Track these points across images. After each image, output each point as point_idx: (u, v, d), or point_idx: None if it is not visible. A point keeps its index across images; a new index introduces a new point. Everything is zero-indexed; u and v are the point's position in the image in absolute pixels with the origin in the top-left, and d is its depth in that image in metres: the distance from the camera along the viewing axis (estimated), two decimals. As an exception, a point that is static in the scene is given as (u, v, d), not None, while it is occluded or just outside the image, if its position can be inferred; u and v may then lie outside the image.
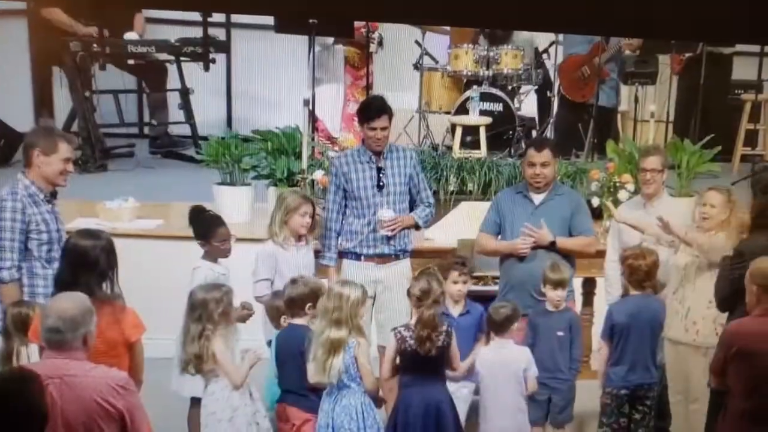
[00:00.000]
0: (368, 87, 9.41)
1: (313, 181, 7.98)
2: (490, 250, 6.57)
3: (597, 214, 7.94)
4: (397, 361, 5.58)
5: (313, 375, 5.39)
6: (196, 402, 6.03)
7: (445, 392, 5.62)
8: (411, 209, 6.68)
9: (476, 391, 6.06)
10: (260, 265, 6.33)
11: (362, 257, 6.58)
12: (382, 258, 6.56)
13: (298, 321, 5.63)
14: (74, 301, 4.32)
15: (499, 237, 6.58)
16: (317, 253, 6.59)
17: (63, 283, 4.80)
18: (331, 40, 9.44)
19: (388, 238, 6.51)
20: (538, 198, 6.51)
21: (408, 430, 5.49)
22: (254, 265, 6.37)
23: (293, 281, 5.80)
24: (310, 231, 6.43)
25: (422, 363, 5.50)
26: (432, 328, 5.45)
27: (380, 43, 9.67)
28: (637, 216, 6.53)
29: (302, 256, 6.40)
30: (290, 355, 5.55)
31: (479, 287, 6.76)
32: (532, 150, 6.50)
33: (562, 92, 10.07)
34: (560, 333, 6.14)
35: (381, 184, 6.54)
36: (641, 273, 6.03)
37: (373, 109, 6.51)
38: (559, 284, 6.14)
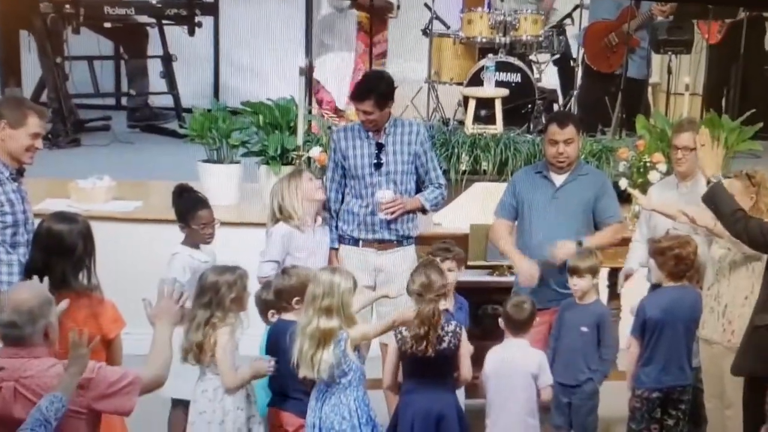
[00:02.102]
0: (382, 55, 9.35)
1: (309, 158, 7.96)
2: (500, 248, 6.53)
3: (625, 197, 7.91)
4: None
5: (300, 370, 5.36)
6: (177, 403, 6.02)
7: (451, 401, 5.59)
8: (418, 190, 6.63)
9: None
10: (271, 245, 6.33)
11: (360, 242, 6.55)
12: (383, 244, 6.53)
13: (288, 316, 5.59)
14: (31, 290, 4.28)
15: (516, 223, 6.53)
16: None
17: (34, 273, 4.74)
18: (347, 2, 9.38)
19: (389, 222, 6.47)
20: (559, 179, 6.47)
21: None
22: (265, 244, 6.38)
23: (283, 271, 5.78)
24: (324, 205, 6.45)
25: (424, 367, 5.47)
26: (430, 325, 5.41)
27: (398, 7, 9.63)
28: (669, 198, 6.49)
29: (318, 238, 6.42)
30: (282, 355, 5.50)
31: (494, 278, 6.73)
32: (554, 126, 6.44)
33: (586, 62, 10.02)
34: (584, 329, 6.10)
35: (380, 161, 6.50)
36: (689, 262, 6.00)
37: (357, 91, 6.50)
38: (575, 272, 6.10)
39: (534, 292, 6.27)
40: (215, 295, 5.35)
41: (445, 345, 5.48)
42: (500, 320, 5.92)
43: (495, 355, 5.87)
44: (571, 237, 6.32)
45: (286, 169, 8.10)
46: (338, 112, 9.39)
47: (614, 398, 6.38)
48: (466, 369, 5.63)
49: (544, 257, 6.33)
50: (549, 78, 10.19)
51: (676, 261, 6.02)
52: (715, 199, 5.66)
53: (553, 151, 6.43)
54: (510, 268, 6.79)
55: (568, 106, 9.67)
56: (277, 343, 5.55)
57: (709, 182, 5.74)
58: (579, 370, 6.12)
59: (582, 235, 6.33)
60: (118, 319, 4.90)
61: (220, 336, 5.34)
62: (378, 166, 6.50)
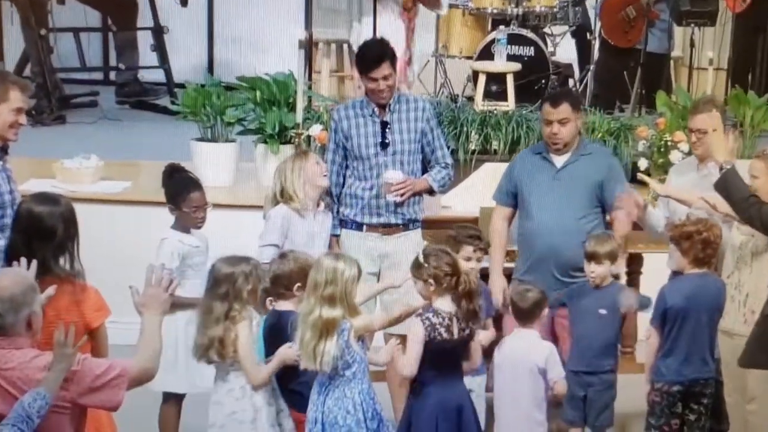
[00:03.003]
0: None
1: (309, 137, 7.94)
2: (492, 241, 6.48)
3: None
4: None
5: (302, 361, 5.35)
6: (169, 398, 6.02)
7: (465, 390, 5.60)
8: (424, 171, 6.61)
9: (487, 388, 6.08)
10: (270, 228, 6.32)
11: (364, 227, 6.53)
12: (388, 228, 6.52)
13: (285, 305, 5.57)
14: (13, 277, 4.26)
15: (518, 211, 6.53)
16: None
17: (14, 256, 4.74)
18: None
19: (395, 205, 6.45)
20: (560, 160, 6.44)
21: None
22: (264, 227, 6.37)
23: (281, 255, 5.76)
24: (327, 191, 6.45)
25: (445, 355, 5.45)
26: (472, 298, 5.42)
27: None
28: (689, 180, 6.47)
29: (319, 223, 6.40)
30: (281, 345, 5.49)
31: (505, 264, 6.71)
32: (547, 105, 6.44)
33: (603, 35, 9.99)
34: (602, 311, 6.09)
35: (386, 141, 6.49)
36: (715, 247, 5.99)
37: (369, 57, 6.44)
38: (594, 257, 6.10)
39: (535, 280, 6.22)
40: (232, 287, 5.34)
41: (468, 331, 5.48)
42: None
43: (502, 347, 5.87)
44: (574, 221, 6.30)
45: (285, 149, 8.10)
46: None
47: (632, 392, 6.36)
48: (477, 357, 5.64)
49: (545, 242, 6.31)
50: (564, 51, 10.15)
51: (704, 245, 5.99)
52: (726, 185, 5.65)
53: (547, 131, 6.42)
54: (518, 254, 6.77)
55: (585, 81, 9.66)
56: (276, 335, 5.53)
57: (721, 168, 5.72)
58: (596, 357, 6.10)
59: (588, 218, 6.32)
60: (102, 307, 4.88)
61: (240, 330, 5.33)
62: (384, 145, 6.49)
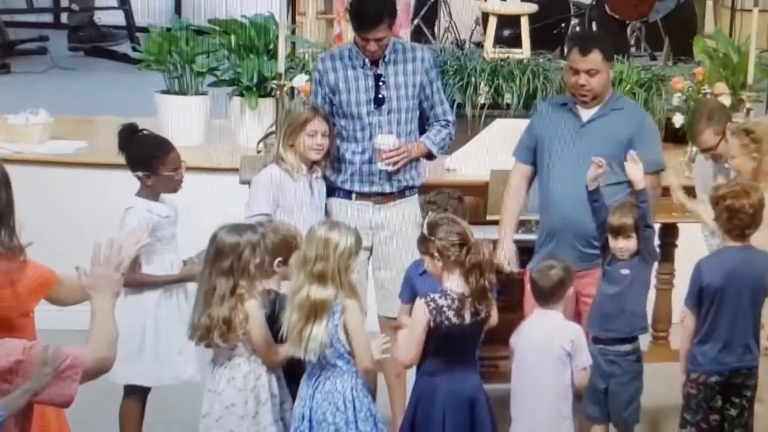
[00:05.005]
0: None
1: (293, 89, 7.93)
2: (504, 201, 6.53)
3: (680, 136, 7.91)
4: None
5: (288, 347, 5.37)
6: (132, 392, 6.02)
7: (479, 382, 5.60)
8: (422, 131, 6.62)
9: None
10: (259, 195, 6.30)
11: (354, 195, 6.54)
12: (382, 197, 6.53)
13: (265, 283, 5.57)
14: None
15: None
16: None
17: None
18: None
19: (390, 173, 6.46)
20: (587, 113, 6.44)
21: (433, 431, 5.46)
22: (250, 194, 6.35)
23: (258, 225, 5.72)
24: (326, 157, 6.40)
25: (454, 342, 5.46)
26: (485, 273, 5.41)
27: None
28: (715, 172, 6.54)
29: (316, 189, 6.40)
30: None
31: (519, 236, 6.73)
32: (575, 51, 6.42)
33: (608, 11, 9.98)
34: (625, 271, 6.10)
35: (380, 97, 6.48)
36: (745, 217, 5.97)
37: (365, 16, 6.40)
38: (620, 231, 6.10)
39: (551, 253, 6.26)
40: (237, 260, 5.33)
41: (482, 315, 5.48)
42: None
43: (522, 331, 5.87)
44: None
45: (264, 103, 8.10)
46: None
47: (665, 383, 6.41)
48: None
49: (562, 205, 6.33)
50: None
51: (730, 215, 5.99)
52: None
53: (573, 81, 6.41)
54: (539, 223, 6.80)
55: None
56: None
57: None
58: (617, 322, 6.11)
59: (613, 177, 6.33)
60: (42, 286, 4.87)
61: (250, 309, 5.34)
62: (378, 102, 6.48)
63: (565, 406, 5.81)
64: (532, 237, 6.63)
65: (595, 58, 6.36)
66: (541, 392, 5.78)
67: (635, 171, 6.14)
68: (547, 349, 5.78)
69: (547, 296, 5.84)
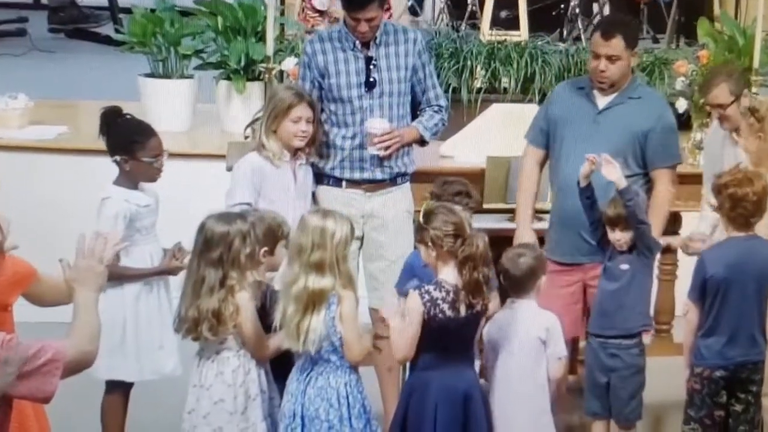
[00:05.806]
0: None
1: (282, 72, 7.93)
2: (520, 187, 6.55)
3: (683, 122, 7.90)
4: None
5: (285, 340, 5.38)
6: (114, 387, 6.02)
7: (475, 378, 5.60)
8: (414, 116, 6.61)
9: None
10: (240, 183, 6.29)
11: (344, 182, 6.54)
12: (373, 185, 6.53)
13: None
14: None
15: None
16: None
17: None
18: None
19: (381, 158, 6.46)
20: (603, 100, 6.44)
21: (425, 427, 5.45)
22: (230, 183, 6.34)
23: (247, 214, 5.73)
24: (310, 143, 6.38)
25: (449, 335, 5.45)
26: (480, 266, 5.39)
27: None
28: (730, 154, 6.51)
29: (300, 177, 6.38)
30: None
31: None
32: (597, 35, 6.42)
33: None
34: (624, 266, 6.11)
35: (371, 80, 6.47)
36: (749, 205, 5.98)
37: None
38: (618, 223, 6.11)
39: (560, 242, 6.31)
40: (227, 250, 5.33)
41: (478, 308, 5.48)
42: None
43: (494, 321, 5.85)
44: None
45: (252, 86, 8.09)
46: (320, 12, 9.31)
47: (667, 378, 6.40)
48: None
49: (573, 195, 6.32)
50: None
51: (732, 203, 6.00)
52: None
53: (593, 65, 6.41)
54: (539, 212, 6.79)
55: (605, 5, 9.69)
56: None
57: None
58: (617, 319, 6.11)
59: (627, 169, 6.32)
60: (23, 278, 4.87)
61: (241, 301, 5.34)
62: (370, 85, 6.47)
63: (543, 398, 5.79)
64: (538, 227, 6.63)
65: (618, 43, 6.34)
66: (516, 384, 5.77)
67: (612, 172, 6.14)
68: (523, 339, 5.78)
69: (518, 285, 5.83)
